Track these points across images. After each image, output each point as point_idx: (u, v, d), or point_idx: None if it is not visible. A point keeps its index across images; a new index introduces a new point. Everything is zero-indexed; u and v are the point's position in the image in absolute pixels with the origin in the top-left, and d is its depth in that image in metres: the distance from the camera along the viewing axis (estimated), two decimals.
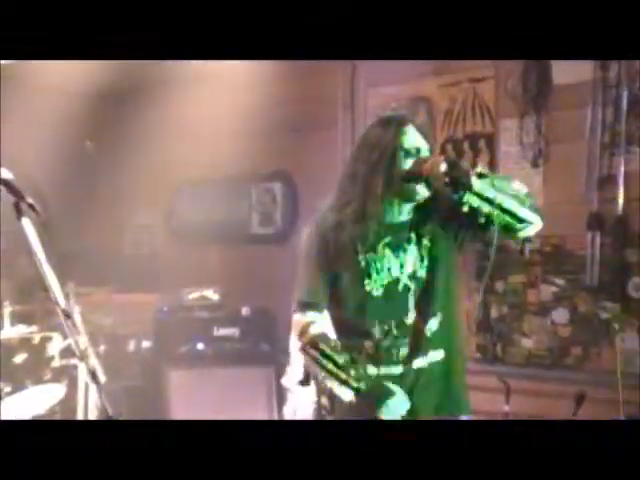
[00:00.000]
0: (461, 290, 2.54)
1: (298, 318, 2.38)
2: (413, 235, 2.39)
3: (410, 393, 2.30)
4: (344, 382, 2.24)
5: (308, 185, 5.11)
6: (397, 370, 2.34)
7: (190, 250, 5.89)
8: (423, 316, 2.36)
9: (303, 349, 2.35)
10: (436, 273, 2.38)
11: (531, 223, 2.30)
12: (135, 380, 5.04)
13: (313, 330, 2.33)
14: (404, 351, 2.35)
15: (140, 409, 4.60)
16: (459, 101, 4.51)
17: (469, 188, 2.19)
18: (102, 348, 4.55)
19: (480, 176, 2.21)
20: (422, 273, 2.38)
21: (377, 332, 2.35)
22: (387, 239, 2.38)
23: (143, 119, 5.84)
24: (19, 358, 4.23)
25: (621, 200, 3.86)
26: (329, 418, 3.44)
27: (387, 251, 2.37)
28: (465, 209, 2.21)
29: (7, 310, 4.37)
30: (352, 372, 2.24)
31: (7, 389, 4.00)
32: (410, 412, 2.27)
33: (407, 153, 2.33)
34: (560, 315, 4.10)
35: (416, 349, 2.35)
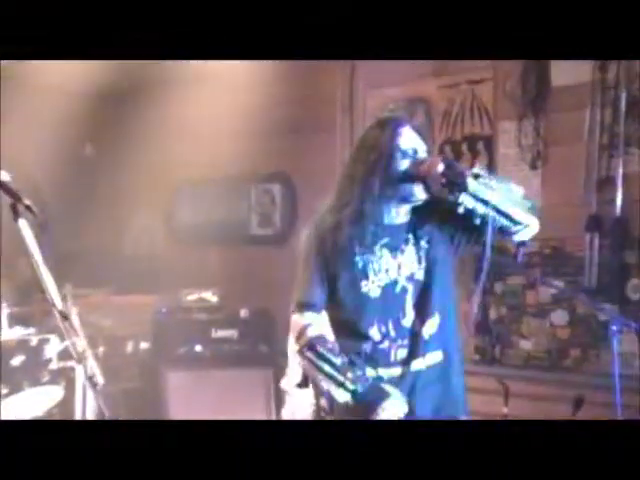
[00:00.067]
0: (459, 292, 2.53)
1: (296, 319, 2.38)
2: (411, 236, 2.39)
3: (408, 395, 2.30)
4: (341, 384, 2.23)
5: (307, 186, 5.11)
6: (395, 372, 2.34)
7: (189, 251, 5.89)
8: (421, 318, 2.36)
9: (300, 351, 2.34)
10: (434, 275, 2.38)
11: (527, 225, 2.30)
12: (133, 382, 5.03)
13: (310, 332, 2.32)
14: (402, 353, 2.34)
15: (138, 411, 4.59)
16: (457, 103, 4.51)
17: (465, 189, 2.19)
18: (101, 350, 4.55)
19: (476, 177, 2.21)
20: (420, 275, 2.37)
21: (375, 334, 2.34)
22: (385, 240, 2.37)
23: (143, 119, 5.85)
24: (17, 360, 4.22)
25: (620, 202, 3.86)
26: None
27: (385, 252, 2.37)
28: (461, 210, 2.21)
29: (5, 312, 4.37)
30: (349, 374, 2.23)
31: (4, 391, 3.99)
32: (408, 414, 2.26)
33: (404, 154, 2.33)
34: (559, 317, 4.10)
35: (414, 351, 2.35)
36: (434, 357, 2.37)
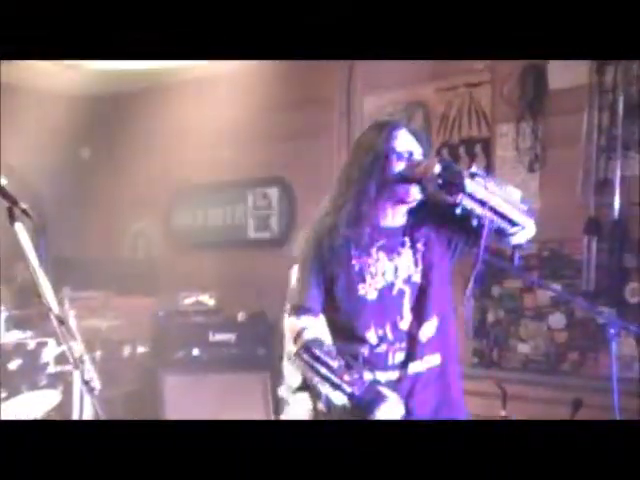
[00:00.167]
0: (457, 294, 2.53)
1: (292, 322, 2.37)
2: (407, 239, 2.39)
3: (406, 398, 2.29)
4: (338, 387, 2.23)
5: (305, 190, 5.12)
6: (393, 375, 2.33)
7: (187, 254, 5.89)
8: (418, 320, 2.35)
9: (297, 354, 2.34)
10: (431, 277, 2.37)
11: (524, 227, 2.30)
12: (130, 385, 5.02)
13: (307, 335, 2.31)
14: (400, 356, 2.33)
15: (135, 415, 4.59)
16: (455, 106, 4.51)
17: (462, 189, 2.18)
18: (98, 353, 4.54)
19: (473, 176, 2.20)
20: (417, 277, 2.37)
21: (372, 337, 2.33)
22: (381, 242, 2.37)
23: (141, 124, 5.86)
24: (14, 364, 4.21)
25: (618, 204, 3.86)
26: None
27: (381, 255, 2.36)
28: (458, 211, 2.20)
29: (2, 315, 4.36)
30: (346, 377, 2.22)
31: (2, 395, 3.98)
32: (406, 417, 2.25)
33: (400, 156, 2.33)
34: (557, 320, 4.10)
35: (412, 354, 2.34)
36: (432, 360, 2.36)
